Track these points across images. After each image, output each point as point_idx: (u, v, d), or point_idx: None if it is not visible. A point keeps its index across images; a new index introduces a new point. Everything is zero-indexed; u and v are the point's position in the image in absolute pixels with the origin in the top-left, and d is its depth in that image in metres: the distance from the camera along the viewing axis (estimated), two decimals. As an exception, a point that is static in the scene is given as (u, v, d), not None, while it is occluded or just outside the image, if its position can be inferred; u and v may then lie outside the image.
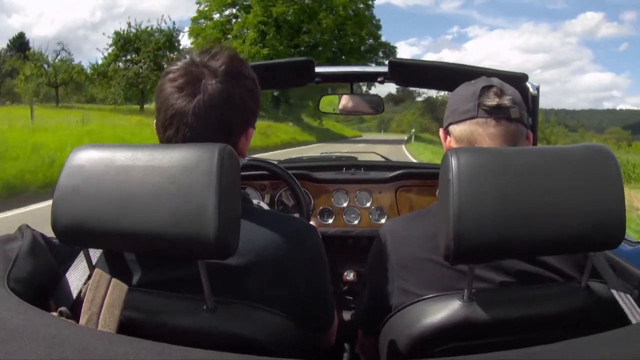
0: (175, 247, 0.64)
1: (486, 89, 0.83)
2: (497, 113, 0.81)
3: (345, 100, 1.89)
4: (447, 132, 0.89)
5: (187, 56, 0.77)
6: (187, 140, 0.73)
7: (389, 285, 0.84)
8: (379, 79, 1.69)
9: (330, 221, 1.75)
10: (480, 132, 0.82)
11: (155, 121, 0.78)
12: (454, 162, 0.67)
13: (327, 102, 1.97)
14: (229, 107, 0.75)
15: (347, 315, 1.62)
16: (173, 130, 0.73)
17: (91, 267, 0.73)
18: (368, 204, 1.76)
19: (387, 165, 2.05)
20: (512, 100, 0.82)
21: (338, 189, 1.77)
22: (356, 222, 1.76)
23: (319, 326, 0.87)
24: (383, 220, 1.75)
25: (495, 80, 0.85)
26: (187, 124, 0.73)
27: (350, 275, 1.69)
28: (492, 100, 0.81)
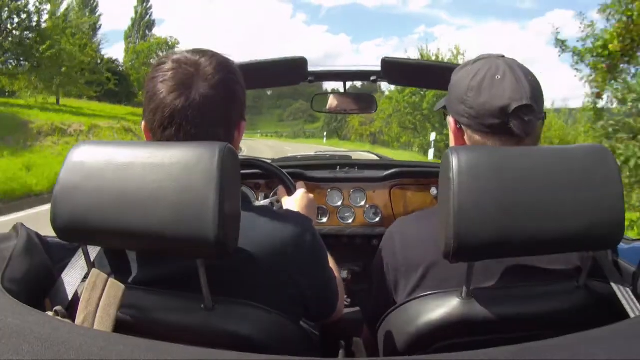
0: (174, 245, 0.64)
1: (519, 109, 0.76)
2: (525, 134, 0.78)
3: (334, 99, 1.89)
4: (460, 128, 0.84)
5: (175, 56, 0.78)
6: (190, 136, 0.73)
7: (397, 286, 0.84)
8: (371, 78, 1.70)
9: (325, 220, 1.75)
10: (500, 146, 0.79)
11: (144, 123, 0.78)
12: (454, 160, 0.68)
13: (319, 101, 1.97)
14: (225, 100, 0.76)
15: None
16: (174, 129, 0.74)
17: (89, 265, 0.73)
18: (362, 203, 1.77)
19: (381, 164, 2.05)
20: (540, 112, 0.79)
21: (332, 188, 1.77)
22: (350, 220, 1.76)
23: (322, 315, 0.91)
24: (377, 219, 1.75)
25: (525, 89, 0.77)
26: (188, 121, 0.73)
27: (344, 274, 1.69)
28: (523, 124, 0.77)
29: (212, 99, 0.74)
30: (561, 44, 6.85)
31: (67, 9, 25.04)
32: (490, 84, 0.79)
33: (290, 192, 1.35)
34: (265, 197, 1.71)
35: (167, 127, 0.74)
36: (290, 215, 0.86)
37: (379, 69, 1.62)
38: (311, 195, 1.25)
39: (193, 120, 0.73)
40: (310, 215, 1.18)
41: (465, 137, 0.83)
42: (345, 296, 1.71)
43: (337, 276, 0.95)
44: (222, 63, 0.77)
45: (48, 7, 19.39)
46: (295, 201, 1.21)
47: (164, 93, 0.74)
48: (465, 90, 0.81)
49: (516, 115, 0.76)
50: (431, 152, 17.57)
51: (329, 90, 2.05)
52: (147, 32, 42.67)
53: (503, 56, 0.85)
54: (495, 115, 0.77)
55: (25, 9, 18.30)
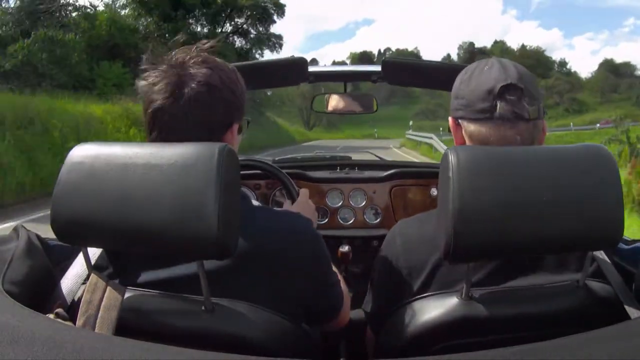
0: (174, 246, 0.64)
1: (505, 88, 0.78)
2: (515, 116, 0.77)
3: (334, 100, 1.89)
4: (458, 124, 0.85)
5: (165, 59, 0.78)
6: (170, 140, 0.73)
7: (400, 289, 0.84)
8: (372, 79, 1.70)
9: (325, 221, 1.75)
10: (495, 135, 0.79)
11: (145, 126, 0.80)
12: (453, 160, 0.67)
13: (320, 102, 1.97)
14: (207, 105, 0.76)
15: None
16: (157, 131, 0.76)
17: (90, 268, 0.73)
18: (362, 204, 1.76)
19: (381, 165, 2.05)
20: (531, 98, 0.79)
21: (332, 189, 1.77)
22: (351, 221, 1.76)
23: (325, 317, 0.90)
24: (377, 220, 1.75)
25: (511, 72, 0.79)
26: (167, 124, 0.75)
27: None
28: (510, 104, 0.77)
29: (192, 103, 0.75)
30: None
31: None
32: (479, 74, 0.83)
33: (291, 193, 1.35)
34: (265, 198, 1.71)
35: (152, 130, 0.76)
36: (288, 214, 0.86)
37: (379, 69, 1.62)
38: (312, 205, 1.25)
39: (171, 123, 0.75)
40: None
41: (462, 131, 0.85)
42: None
43: (343, 289, 0.95)
44: (210, 67, 0.77)
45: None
46: (298, 206, 1.20)
47: (151, 97, 0.76)
48: (459, 84, 0.86)
49: (503, 97, 0.78)
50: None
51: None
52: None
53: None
54: (484, 97, 0.80)
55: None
